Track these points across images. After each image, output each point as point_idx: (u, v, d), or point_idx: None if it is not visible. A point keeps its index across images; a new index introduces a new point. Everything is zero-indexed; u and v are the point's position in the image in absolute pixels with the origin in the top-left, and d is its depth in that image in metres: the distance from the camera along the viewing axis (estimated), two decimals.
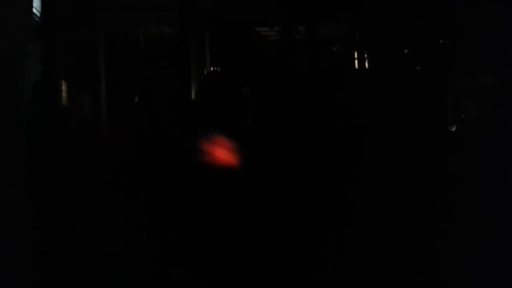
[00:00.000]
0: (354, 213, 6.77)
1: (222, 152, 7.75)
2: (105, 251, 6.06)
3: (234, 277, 5.77)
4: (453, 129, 9.02)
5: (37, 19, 9.05)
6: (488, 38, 8.57)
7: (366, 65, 9.35)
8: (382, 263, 5.62)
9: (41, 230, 6.36)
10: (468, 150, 7.81)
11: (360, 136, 8.08)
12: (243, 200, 7.17)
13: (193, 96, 9.22)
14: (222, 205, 7.08)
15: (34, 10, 8.92)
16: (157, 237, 6.36)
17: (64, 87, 8.93)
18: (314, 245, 6.30)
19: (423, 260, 5.65)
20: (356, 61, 9.53)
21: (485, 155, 7.41)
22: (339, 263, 5.76)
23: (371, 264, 5.61)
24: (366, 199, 7.00)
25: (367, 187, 7.21)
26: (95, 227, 6.54)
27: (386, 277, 5.42)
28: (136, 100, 8.57)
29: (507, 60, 8.48)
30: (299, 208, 7.00)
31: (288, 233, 6.52)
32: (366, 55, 9.35)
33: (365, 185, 7.28)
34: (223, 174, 7.52)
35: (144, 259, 5.92)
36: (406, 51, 9.21)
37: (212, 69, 9.10)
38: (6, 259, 5.67)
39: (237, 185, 7.35)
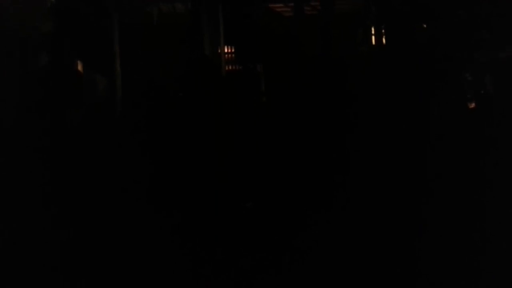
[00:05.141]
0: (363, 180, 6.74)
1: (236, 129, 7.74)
2: None
3: None
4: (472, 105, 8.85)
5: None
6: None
7: (383, 40, 9.20)
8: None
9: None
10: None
11: (373, 114, 7.97)
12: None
13: (206, 74, 9.17)
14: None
15: None
16: None
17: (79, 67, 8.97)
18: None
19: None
20: (372, 37, 9.38)
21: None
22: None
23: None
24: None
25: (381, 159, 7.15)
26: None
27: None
28: (150, 81, 8.54)
29: None
30: (311, 188, 6.97)
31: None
32: (382, 31, 9.20)
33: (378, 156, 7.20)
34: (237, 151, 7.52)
35: None
36: (423, 25, 9.03)
37: (225, 46, 9.03)
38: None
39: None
